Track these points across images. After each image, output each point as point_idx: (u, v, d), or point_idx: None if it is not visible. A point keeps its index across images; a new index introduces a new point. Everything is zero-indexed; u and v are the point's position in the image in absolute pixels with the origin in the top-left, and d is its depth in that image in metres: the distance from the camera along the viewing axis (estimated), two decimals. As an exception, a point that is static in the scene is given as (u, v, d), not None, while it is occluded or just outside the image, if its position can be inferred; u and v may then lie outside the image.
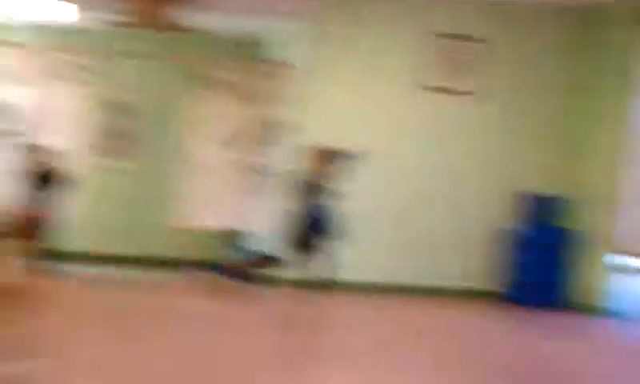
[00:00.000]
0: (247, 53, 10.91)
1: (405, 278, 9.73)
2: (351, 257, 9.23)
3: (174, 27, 9.31)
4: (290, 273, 8.63)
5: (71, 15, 10.09)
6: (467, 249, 9.90)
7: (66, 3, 9.61)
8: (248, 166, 9.43)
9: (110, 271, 10.15)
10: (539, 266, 9.75)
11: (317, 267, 7.89)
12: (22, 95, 9.31)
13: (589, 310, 9.55)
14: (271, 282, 9.21)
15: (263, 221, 9.34)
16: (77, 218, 9.46)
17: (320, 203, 7.86)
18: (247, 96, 9.56)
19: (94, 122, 10.88)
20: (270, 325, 6.99)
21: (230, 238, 10.44)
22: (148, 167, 11.44)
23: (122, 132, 11.36)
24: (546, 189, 9.93)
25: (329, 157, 7.94)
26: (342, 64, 9.73)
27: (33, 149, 8.52)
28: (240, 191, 9.43)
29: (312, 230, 7.81)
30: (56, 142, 9.19)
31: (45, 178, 8.40)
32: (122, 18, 9.03)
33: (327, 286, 8.88)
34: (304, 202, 7.84)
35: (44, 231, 8.44)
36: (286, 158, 9.32)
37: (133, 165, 11.58)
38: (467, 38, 9.82)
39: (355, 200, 9.28)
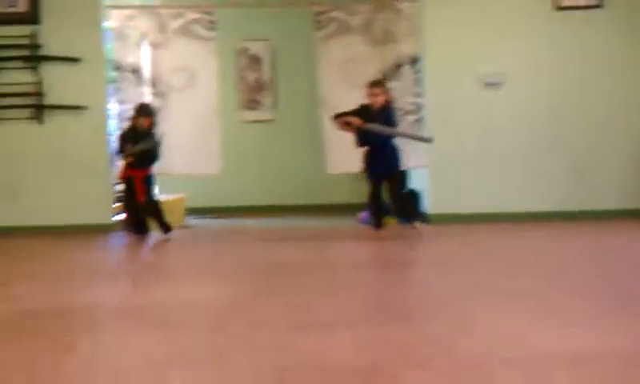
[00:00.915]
0: None
1: (549, 204, 9.53)
2: (492, 186, 9.44)
3: None
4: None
5: None
6: (617, 167, 9.55)
7: None
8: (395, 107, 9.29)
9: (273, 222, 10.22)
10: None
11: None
12: (153, 57, 9.42)
13: None
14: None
15: (418, 159, 9.34)
16: (226, 173, 9.70)
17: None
18: (380, 36, 9.48)
19: (230, 76, 11.16)
20: (439, 262, 6.86)
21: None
22: (287, 116, 11.59)
23: (259, 83, 11.49)
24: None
25: None
26: None
27: (145, 109, 8.63)
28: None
29: None
30: (193, 100, 9.40)
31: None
32: None
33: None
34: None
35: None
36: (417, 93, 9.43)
37: (272, 115, 11.82)
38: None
39: (493, 128, 9.45)
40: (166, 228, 8.65)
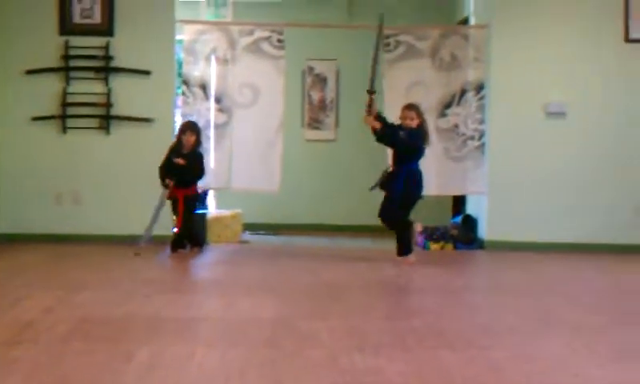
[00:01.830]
0: (439, 16, 11.09)
1: (609, 237, 9.43)
2: (550, 216, 9.42)
3: None
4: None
5: None
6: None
7: None
8: (457, 132, 9.45)
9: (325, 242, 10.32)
10: None
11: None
12: (220, 72, 9.54)
13: None
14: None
15: (477, 185, 9.48)
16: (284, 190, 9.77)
17: None
18: (447, 61, 9.53)
19: (295, 94, 11.34)
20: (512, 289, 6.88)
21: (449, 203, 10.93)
22: (348, 136, 11.70)
23: (322, 102, 11.63)
24: None
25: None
26: (529, 18, 9.51)
27: (193, 126, 8.69)
28: (453, 157, 9.47)
29: None
30: (258, 117, 9.51)
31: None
32: None
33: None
34: None
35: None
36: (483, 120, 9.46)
37: (334, 134, 11.96)
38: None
39: (554, 157, 9.46)
40: (198, 245, 8.79)
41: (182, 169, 8.40)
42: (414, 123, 8.14)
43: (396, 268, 7.97)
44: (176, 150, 8.50)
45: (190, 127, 8.63)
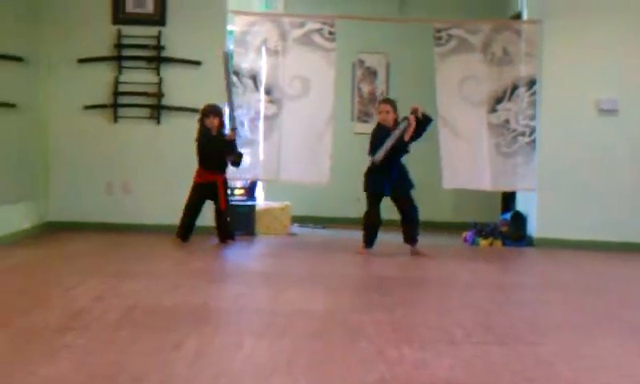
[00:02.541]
0: (491, 10, 10.89)
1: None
2: (600, 214, 9.31)
3: None
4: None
5: None
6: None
7: None
8: (508, 127, 9.35)
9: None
10: None
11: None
12: (271, 64, 9.54)
13: None
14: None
15: (527, 181, 9.39)
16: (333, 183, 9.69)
17: None
18: (498, 55, 9.43)
19: (345, 87, 11.27)
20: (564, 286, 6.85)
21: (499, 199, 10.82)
22: None
23: (372, 95, 11.63)
24: None
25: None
26: (581, 13, 9.38)
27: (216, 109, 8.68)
28: (503, 152, 9.37)
29: None
30: (308, 109, 9.48)
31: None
32: None
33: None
34: None
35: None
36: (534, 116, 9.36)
37: None
38: None
39: (606, 154, 9.35)
40: (230, 236, 8.78)
41: (228, 145, 8.45)
42: (389, 117, 8.23)
43: (445, 263, 7.93)
44: (205, 134, 8.52)
45: (213, 110, 8.62)
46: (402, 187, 8.28)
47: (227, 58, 8.62)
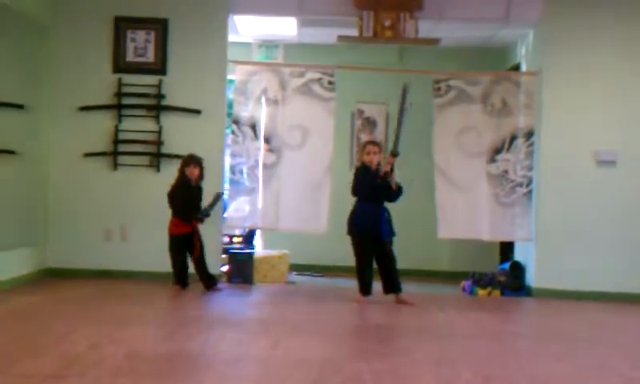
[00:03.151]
0: (490, 62, 10.98)
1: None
2: (598, 265, 9.28)
3: (417, 40, 9.50)
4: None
5: (291, 31, 10.63)
6: None
7: (288, 19, 10.07)
8: (506, 178, 9.40)
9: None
10: None
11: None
12: (270, 113, 9.61)
13: None
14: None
15: (525, 232, 9.42)
16: (332, 232, 9.60)
17: None
18: (498, 107, 9.50)
19: (344, 136, 11.34)
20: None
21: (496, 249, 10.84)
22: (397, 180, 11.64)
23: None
24: None
25: None
26: (580, 66, 9.44)
27: (196, 159, 8.71)
28: (502, 203, 9.42)
29: None
30: (307, 158, 9.55)
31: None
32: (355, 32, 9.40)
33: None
34: None
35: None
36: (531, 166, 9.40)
37: None
38: None
39: (604, 205, 9.35)
40: (212, 281, 8.75)
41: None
42: (376, 158, 8.30)
43: (442, 312, 7.91)
44: (185, 184, 8.55)
45: (194, 160, 8.67)
46: (384, 233, 8.27)
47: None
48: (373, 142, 8.62)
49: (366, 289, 8.26)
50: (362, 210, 8.24)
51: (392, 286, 8.28)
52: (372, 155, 8.30)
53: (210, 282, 8.63)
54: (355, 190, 8.32)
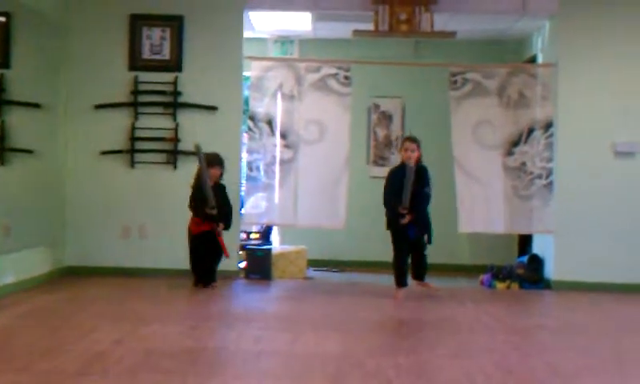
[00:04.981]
0: (506, 54, 10.99)
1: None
2: (617, 257, 9.23)
3: (433, 34, 9.45)
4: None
5: (306, 26, 10.63)
6: None
7: (303, 14, 10.07)
8: (525, 170, 9.36)
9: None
10: None
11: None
12: (286, 108, 9.61)
13: None
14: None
15: (544, 224, 9.37)
16: (349, 227, 9.72)
17: None
18: (514, 99, 9.46)
19: (361, 131, 11.30)
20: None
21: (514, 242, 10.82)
22: None
23: (388, 140, 11.64)
24: None
25: None
26: (597, 56, 9.36)
27: (218, 159, 8.70)
28: (520, 195, 9.40)
29: None
30: (323, 153, 9.53)
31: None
32: (371, 27, 9.29)
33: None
34: None
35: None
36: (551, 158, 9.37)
37: None
38: None
39: (623, 197, 9.31)
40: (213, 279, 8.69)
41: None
42: (414, 155, 8.19)
43: (462, 306, 7.90)
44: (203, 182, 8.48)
45: (216, 160, 8.67)
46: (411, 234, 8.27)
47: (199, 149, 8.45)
48: (412, 139, 8.41)
49: (401, 280, 8.24)
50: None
51: (419, 275, 8.42)
52: (410, 152, 8.20)
53: (211, 278, 8.62)
54: (387, 197, 8.30)
